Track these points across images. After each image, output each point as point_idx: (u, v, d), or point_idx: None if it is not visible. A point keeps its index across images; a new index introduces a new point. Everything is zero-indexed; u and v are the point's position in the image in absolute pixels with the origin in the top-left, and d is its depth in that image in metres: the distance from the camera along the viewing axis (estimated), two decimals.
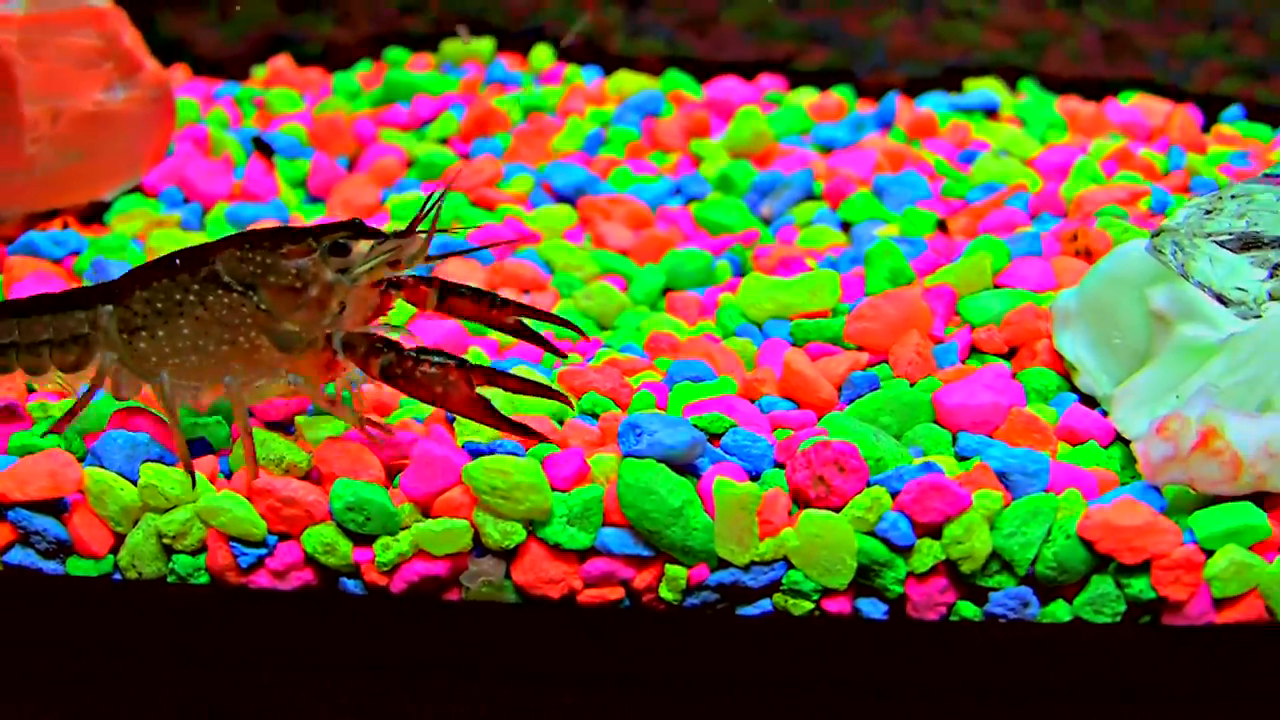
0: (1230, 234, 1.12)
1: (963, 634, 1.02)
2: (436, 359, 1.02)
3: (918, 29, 1.67)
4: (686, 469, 1.03)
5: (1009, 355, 1.20)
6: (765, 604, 1.01)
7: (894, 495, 1.00)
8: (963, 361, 1.18)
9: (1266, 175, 1.18)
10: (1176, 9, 1.66)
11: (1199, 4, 1.65)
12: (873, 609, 1.01)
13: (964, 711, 1.03)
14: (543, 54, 1.65)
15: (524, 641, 1.03)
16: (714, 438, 1.07)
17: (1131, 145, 1.47)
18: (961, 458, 1.07)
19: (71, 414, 1.07)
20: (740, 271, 1.33)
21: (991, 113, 1.59)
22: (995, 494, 1.01)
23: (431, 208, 1.04)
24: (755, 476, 1.04)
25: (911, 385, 1.15)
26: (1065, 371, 1.18)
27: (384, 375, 1.02)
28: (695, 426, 1.06)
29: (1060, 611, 1.01)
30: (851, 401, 1.12)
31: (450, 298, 1.09)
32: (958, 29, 1.67)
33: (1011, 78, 1.66)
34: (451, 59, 1.63)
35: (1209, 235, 1.13)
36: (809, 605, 1.01)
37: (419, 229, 1.04)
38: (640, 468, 1.00)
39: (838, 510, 1.00)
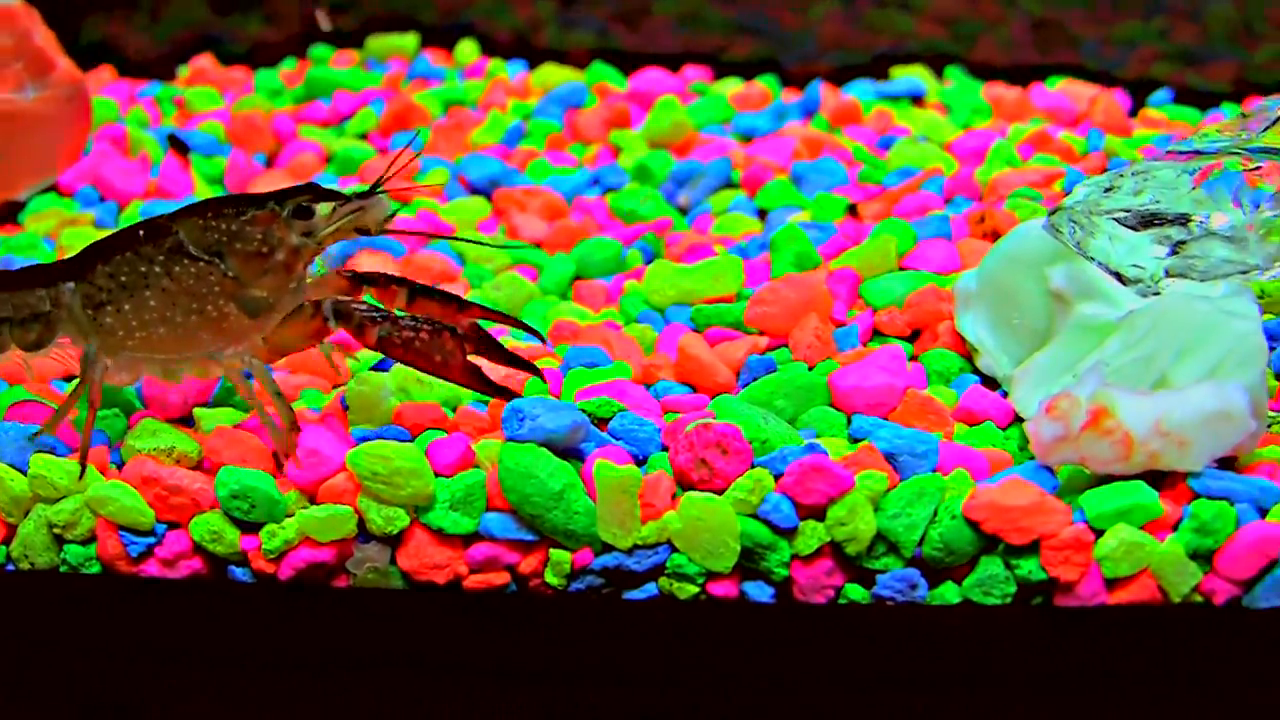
0: (1128, 211, 1.11)
1: (851, 617, 1.01)
2: (429, 327, 1.02)
3: (850, 19, 1.67)
4: (571, 453, 1.02)
5: (912, 338, 1.19)
6: (651, 588, 1.01)
7: (777, 477, 0.99)
8: (864, 344, 1.17)
9: (1169, 151, 1.17)
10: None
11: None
12: (759, 592, 1.00)
13: (853, 695, 1.02)
14: (468, 49, 1.65)
15: (411, 627, 1.03)
16: (605, 423, 1.06)
17: (1050, 129, 1.46)
18: (855, 440, 1.06)
19: (61, 412, 1.05)
20: (651, 259, 1.32)
21: (917, 99, 1.58)
22: (879, 475, 1.00)
23: (393, 172, 1.04)
24: (641, 460, 1.04)
25: (810, 368, 1.14)
26: (968, 353, 1.17)
27: (381, 344, 1.02)
28: (583, 411, 1.05)
29: (949, 593, 1.00)
30: (748, 385, 1.11)
31: (420, 299, 1.07)
32: (890, 18, 1.67)
33: (942, 66, 1.66)
34: (376, 55, 1.63)
35: (1108, 212, 1.12)
36: (694, 589, 1.00)
37: (379, 191, 1.03)
38: (521, 452, 1.00)
39: (720, 493, 1.00)
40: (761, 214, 1.38)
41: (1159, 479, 1.02)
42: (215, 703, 1.05)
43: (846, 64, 1.64)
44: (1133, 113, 1.59)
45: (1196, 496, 1.01)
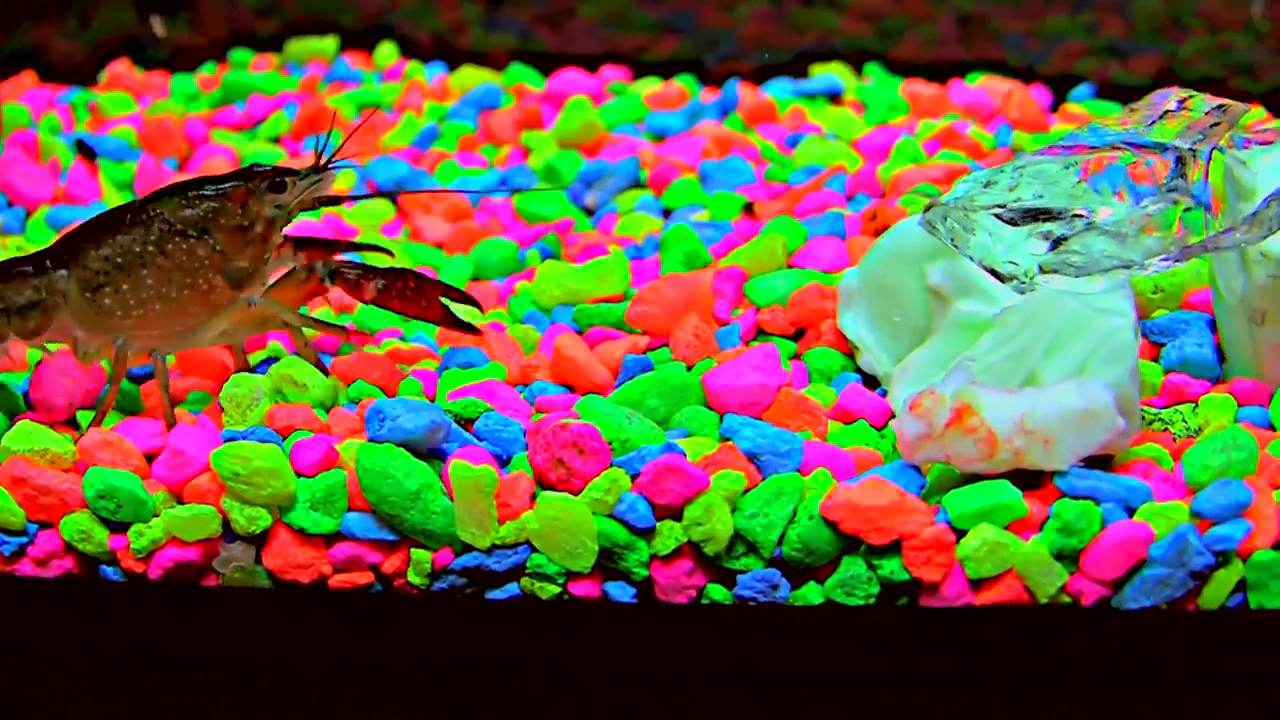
0: (1003, 206, 1.10)
1: (712, 617, 1.00)
2: (412, 279, 1.12)
3: (774, 18, 1.66)
4: (433, 454, 1.02)
5: (796, 336, 1.18)
6: (513, 588, 1.00)
7: (634, 477, 0.99)
8: (745, 343, 1.16)
9: (1054, 145, 1.16)
10: None
11: None
12: (621, 592, 1.00)
13: (716, 696, 1.01)
14: (387, 51, 1.65)
15: (278, 625, 1.03)
16: (471, 423, 1.06)
17: (959, 125, 1.45)
18: (725, 439, 1.06)
19: (104, 409, 1.09)
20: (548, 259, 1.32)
21: (835, 97, 1.57)
22: (736, 475, 0.99)
23: (324, 149, 1.12)
24: (505, 460, 1.03)
25: (689, 368, 1.13)
26: (851, 351, 1.16)
27: (379, 298, 1.12)
28: (448, 412, 1.05)
29: (811, 594, 0.99)
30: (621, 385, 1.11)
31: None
32: (816, 16, 1.66)
33: (864, 63, 1.65)
34: (296, 59, 1.63)
35: (986, 208, 1.11)
36: (555, 589, 1.00)
37: (334, 164, 1.12)
38: (377, 452, 1.00)
39: (577, 493, 0.99)
40: (666, 213, 1.38)
41: (1030, 478, 1.01)
42: (91, 700, 1.05)
43: (769, 63, 1.63)
44: (1053, 108, 1.57)
45: (1063, 495, 1.00)
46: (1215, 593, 0.99)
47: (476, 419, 1.05)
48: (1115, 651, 1.00)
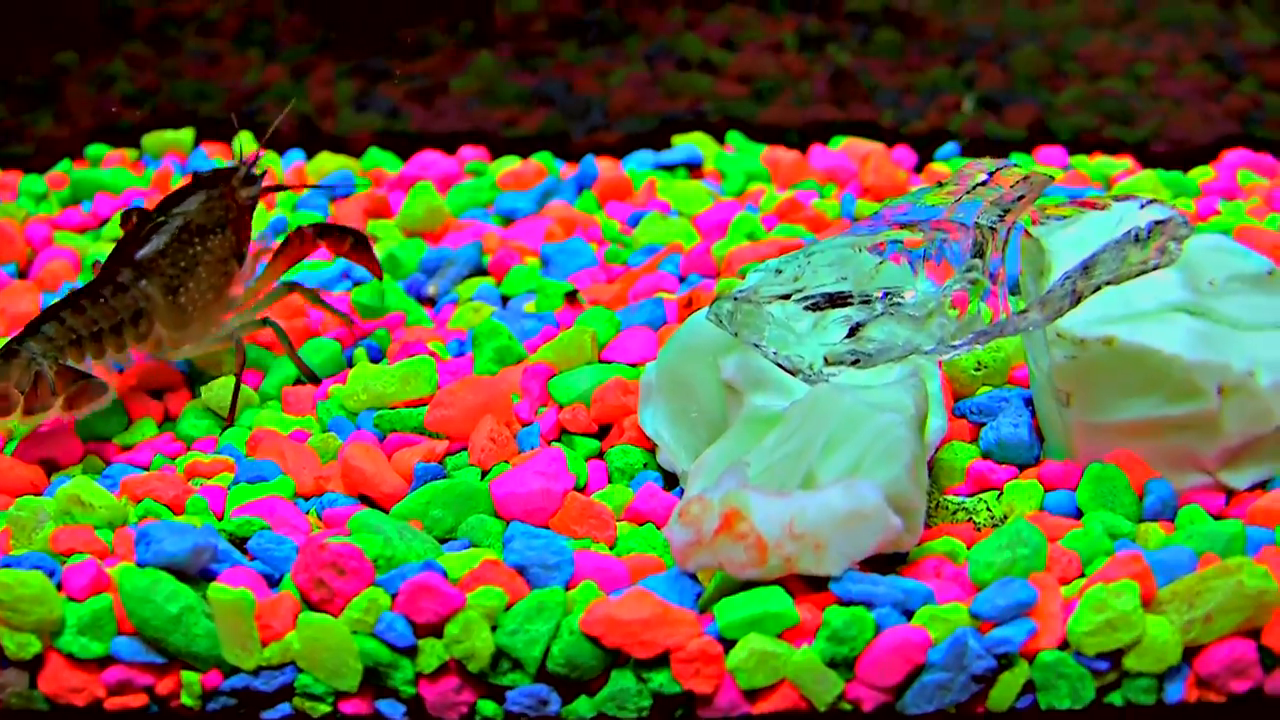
0: (788, 295, 1.07)
1: None
2: (350, 240, 1.29)
3: (647, 83, 1.63)
4: (204, 575, 1.01)
5: (601, 434, 1.16)
6: (284, 707, 0.99)
7: (394, 596, 0.97)
8: (547, 443, 1.14)
9: (856, 225, 1.13)
10: (921, 46, 1.60)
11: (941, 40, 1.60)
12: (392, 710, 0.98)
13: None
14: (245, 140, 1.63)
15: None
16: (244, 542, 1.05)
17: (803, 196, 1.41)
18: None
19: (234, 407, 1.21)
20: (378, 358, 1.30)
21: (695, 167, 1.54)
22: (495, 591, 0.97)
23: (253, 164, 1.29)
24: (276, 580, 1.02)
25: (485, 473, 1.11)
26: (653, 448, 1.13)
27: (353, 250, 1.28)
28: (221, 531, 1.04)
29: (583, 708, 0.97)
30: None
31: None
32: (690, 81, 1.63)
33: (732, 128, 1.61)
34: (152, 152, 1.62)
35: (776, 298, 1.08)
36: (326, 708, 0.98)
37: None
38: (138, 576, 0.98)
39: (339, 613, 0.97)
40: (504, 301, 1.35)
41: (816, 580, 0.98)
42: None
43: (635, 131, 1.61)
44: (918, 168, 1.54)
45: (838, 601, 0.97)
46: (1002, 695, 0.96)
47: (249, 538, 1.04)
48: None
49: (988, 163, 1.17)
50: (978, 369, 1.18)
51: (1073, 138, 1.59)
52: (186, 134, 1.63)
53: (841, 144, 1.58)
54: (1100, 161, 1.60)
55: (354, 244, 1.29)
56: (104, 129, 1.64)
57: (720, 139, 1.60)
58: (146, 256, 1.22)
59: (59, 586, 1.00)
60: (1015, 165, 1.16)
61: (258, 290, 1.28)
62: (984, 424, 1.14)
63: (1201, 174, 1.58)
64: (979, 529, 1.06)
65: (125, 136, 1.62)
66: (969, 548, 1.03)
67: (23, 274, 1.45)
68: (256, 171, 1.28)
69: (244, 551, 1.04)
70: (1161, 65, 1.66)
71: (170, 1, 1.69)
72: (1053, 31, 1.64)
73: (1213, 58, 1.68)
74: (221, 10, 1.70)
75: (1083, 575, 1.00)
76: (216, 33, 1.70)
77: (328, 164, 1.60)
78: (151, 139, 1.62)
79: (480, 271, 1.40)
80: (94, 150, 1.62)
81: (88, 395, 1.16)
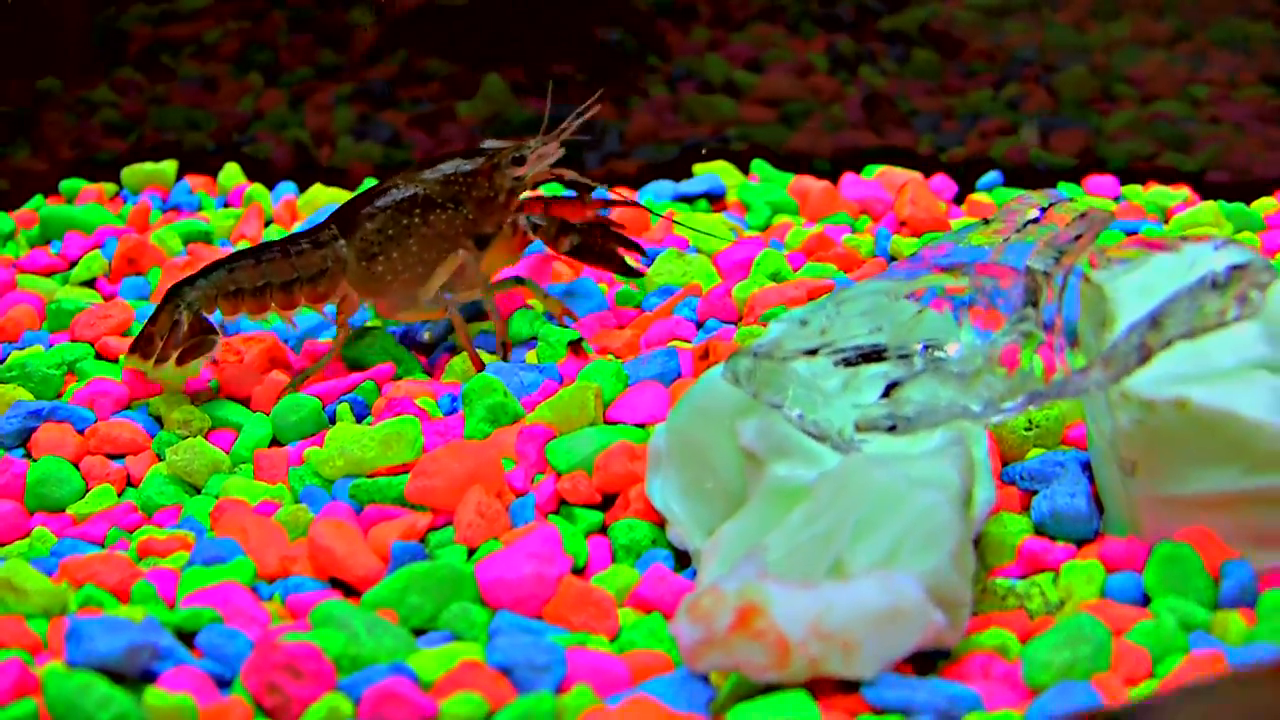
0: (815, 350, 0.94)
1: None
2: (599, 235, 1.25)
3: (668, 108, 1.51)
4: (145, 676, 0.89)
5: (605, 505, 1.03)
6: None
7: (356, 704, 0.84)
8: (543, 517, 1.01)
9: (892, 269, 1.00)
10: (960, 67, 1.47)
11: (982, 61, 1.46)
12: None
13: None
14: (231, 173, 1.52)
15: None
16: (192, 637, 0.93)
17: (833, 231, 1.28)
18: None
19: (475, 357, 1.19)
20: (364, 416, 1.17)
21: (717, 199, 1.41)
22: (475, 698, 0.84)
23: (580, 122, 1.26)
24: (226, 682, 0.89)
25: (472, 552, 0.99)
26: (663, 522, 1.00)
27: (575, 251, 1.25)
28: (165, 624, 0.92)
29: None
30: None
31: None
32: (713, 104, 1.50)
33: (756, 156, 1.48)
34: (131, 186, 1.50)
35: (800, 353, 0.95)
36: None
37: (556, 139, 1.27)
38: (66, 679, 0.86)
39: None
40: (506, 349, 1.22)
41: (843, 683, 0.85)
42: None
43: (654, 160, 1.48)
44: (958, 199, 1.40)
45: (871, 709, 0.84)
46: None
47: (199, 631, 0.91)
48: None
49: (1039, 196, 1.04)
50: (1029, 428, 1.05)
51: (1125, 166, 1.45)
52: (169, 166, 1.51)
53: (875, 173, 1.44)
54: (1155, 191, 1.47)
55: (576, 246, 1.24)
56: (83, 161, 1.52)
57: (744, 167, 1.47)
58: (348, 219, 1.23)
59: None
60: (1070, 200, 1.03)
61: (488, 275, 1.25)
62: (1036, 491, 1.01)
63: (1266, 205, 1.44)
64: (1033, 617, 0.93)
65: (104, 170, 1.50)
66: (1022, 642, 0.89)
67: None
68: (527, 154, 1.25)
69: (192, 648, 0.92)
70: (1219, 87, 1.53)
71: (162, 25, 1.59)
72: (1101, 51, 1.52)
73: (1273, 79, 1.54)
74: (219, 34, 1.59)
75: (1153, 676, 0.87)
76: (212, 57, 1.60)
77: (320, 197, 1.47)
78: (131, 172, 1.50)
79: (480, 316, 1.27)
80: (69, 185, 1.50)
81: (194, 352, 1.18)
